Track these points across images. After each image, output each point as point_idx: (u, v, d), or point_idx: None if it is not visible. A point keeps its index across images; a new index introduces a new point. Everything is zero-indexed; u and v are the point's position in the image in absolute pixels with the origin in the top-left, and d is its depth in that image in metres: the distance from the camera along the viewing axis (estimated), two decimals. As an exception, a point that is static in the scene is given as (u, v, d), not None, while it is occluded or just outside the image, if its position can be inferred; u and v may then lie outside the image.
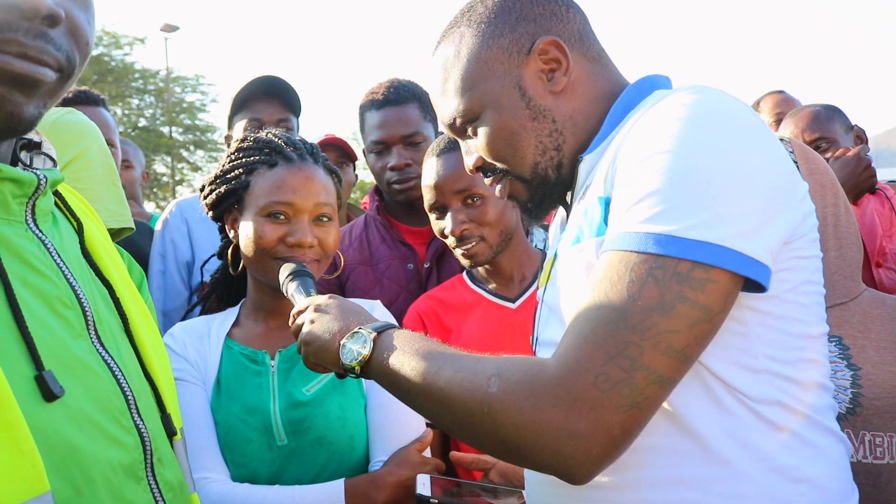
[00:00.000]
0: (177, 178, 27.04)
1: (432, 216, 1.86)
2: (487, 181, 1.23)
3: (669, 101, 0.98)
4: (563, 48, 1.13)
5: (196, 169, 28.22)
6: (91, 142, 1.74)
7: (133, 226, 1.94)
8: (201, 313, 1.76)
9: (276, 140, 1.58)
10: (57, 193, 0.98)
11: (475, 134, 1.18)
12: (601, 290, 0.90)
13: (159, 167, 26.11)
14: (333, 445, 1.47)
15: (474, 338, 1.78)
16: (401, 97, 2.19)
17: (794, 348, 0.99)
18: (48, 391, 0.77)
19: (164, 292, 2.45)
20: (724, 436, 0.96)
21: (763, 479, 0.96)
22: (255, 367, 1.54)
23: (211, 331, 1.60)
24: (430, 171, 1.82)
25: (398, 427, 1.52)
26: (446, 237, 1.82)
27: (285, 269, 1.40)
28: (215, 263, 1.79)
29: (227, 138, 2.62)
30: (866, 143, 2.70)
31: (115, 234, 1.92)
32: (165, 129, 25.77)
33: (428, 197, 1.83)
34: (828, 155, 2.43)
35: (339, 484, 1.41)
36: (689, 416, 0.97)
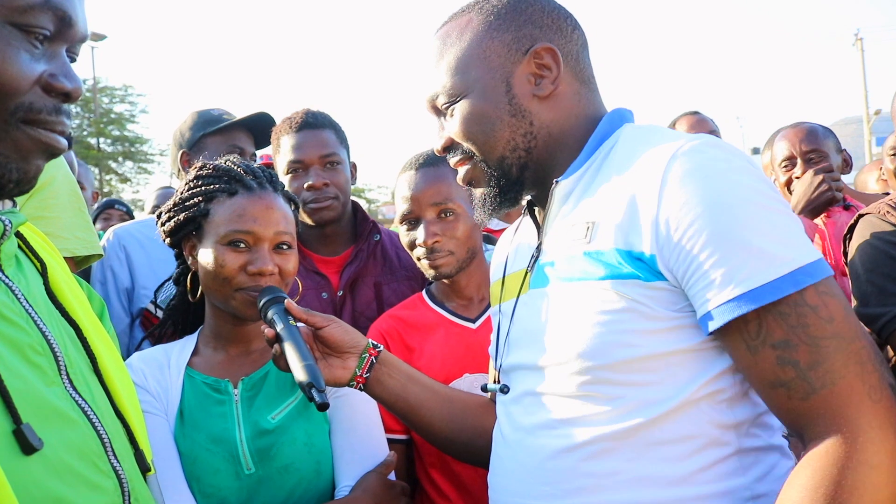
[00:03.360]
0: (105, 189, 26.22)
1: (403, 227, 1.89)
2: (454, 160, 1.26)
3: (695, 167, 1.04)
4: (557, 57, 1.19)
5: (125, 180, 27.45)
6: (56, 170, 1.72)
7: (102, 252, 1.91)
8: (156, 340, 1.74)
9: (236, 168, 1.58)
10: (19, 234, 0.97)
11: (452, 115, 1.23)
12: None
13: (87, 179, 25.30)
14: (301, 472, 1.47)
15: (436, 358, 1.81)
16: (318, 122, 2.24)
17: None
18: (27, 444, 0.77)
19: None
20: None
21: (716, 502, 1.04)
22: (218, 395, 1.53)
23: (170, 360, 1.58)
24: (408, 182, 1.86)
25: (362, 451, 1.53)
26: (414, 248, 1.86)
27: (264, 295, 1.42)
28: (168, 287, 1.77)
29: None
30: (851, 167, 2.96)
31: (82, 260, 1.89)
32: (93, 141, 24.96)
33: (403, 208, 1.86)
34: (816, 168, 2.72)
35: (309, 511, 1.41)
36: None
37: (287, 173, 2.21)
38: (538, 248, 1.25)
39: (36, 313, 0.89)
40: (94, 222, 4.69)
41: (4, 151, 0.84)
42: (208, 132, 2.57)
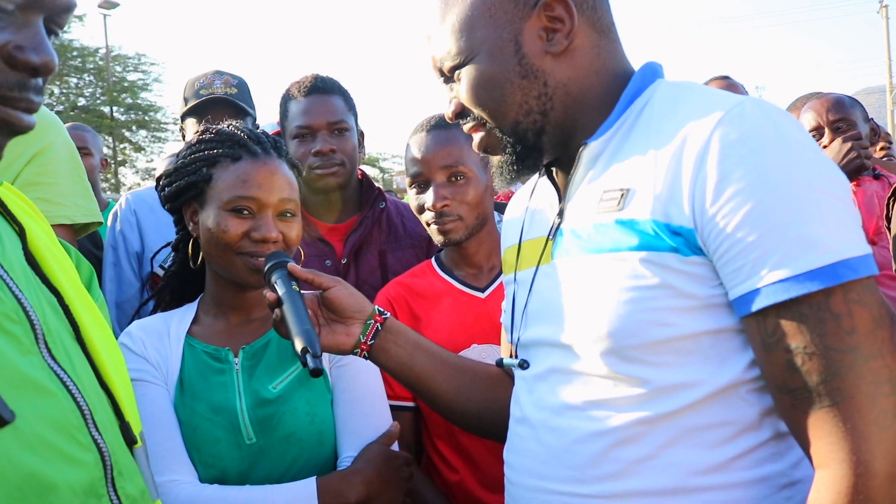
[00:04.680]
0: (119, 158, 26.31)
1: (412, 191, 1.85)
2: (466, 127, 1.19)
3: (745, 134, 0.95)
4: (570, 8, 1.09)
5: (139, 149, 27.52)
6: (55, 136, 1.69)
7: (102, 220, 1.89)
8: (154, 307, 1.72)
9: (240, 133, 1.54)
10: None
11: (460, 79, 1.14)
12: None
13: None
14: (303, 442, 1.45)
15: (444, 327, 1.77)
16: (327, 87, 2.20)
17: None
18: None
19: (116, 283, 2.50)
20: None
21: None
22: (218, 365, 1.50)
23: (170, 329, 1.55)
24: (419, 144, 1.81)
25: (365, 422, 1.51)
26: (423, 212, 1.81)
27: (269, 260, 1.39)
28: (164, 254, 1.76)
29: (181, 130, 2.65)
30: (880, 135, 2.92)
31: (82, 227, 1.87)
32: (106, 109, 24.99)
33: (413, 170, 1.82)
34: (844, 136, 2.68)
35: (311, 483, 1.39)
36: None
37: (294, 138, 2.17)
38: (560, 214, 1.17)
39: (12, 280, 0.85)
40: None
41: None
42: (186, 113, 2.56)
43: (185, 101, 2.59)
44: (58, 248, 1.01)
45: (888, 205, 1.60)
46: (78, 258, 1.15)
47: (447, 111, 1.20)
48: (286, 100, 2.23)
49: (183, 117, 2.59)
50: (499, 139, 1.15)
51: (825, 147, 2.70)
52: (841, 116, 2.76)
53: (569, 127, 1.13)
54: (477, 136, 1.19)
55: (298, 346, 1.22)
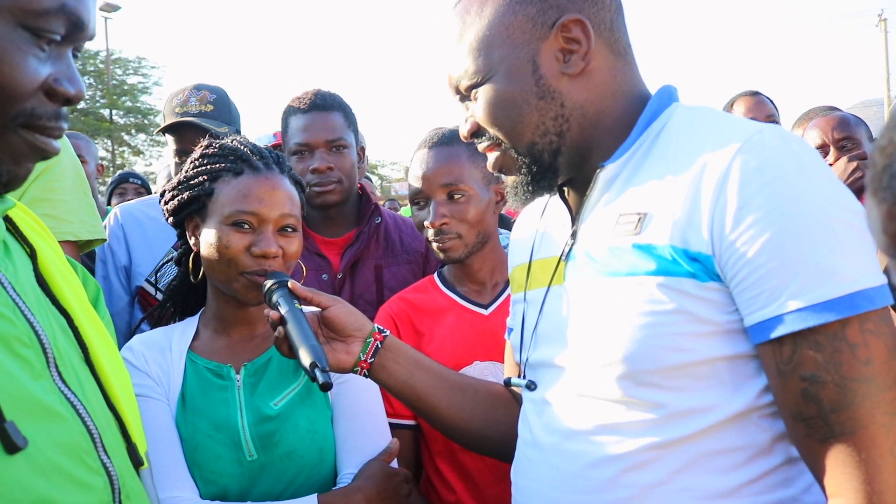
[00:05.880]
0: (118, 161, 26.30)
1: (414, 207, 1.87)
2: (482, 146, 1.18)
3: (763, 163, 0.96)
4: (587, 30, 1.08)
5: (138, 153, 27.51)
6: (62, 153, 1.70)
7: (105, 237, 1.90)
8: (153, 323, 1.72)
9: (242, 148, 1.55)
10: (7, 218, 0.94)
11: (476, 98, 1.14)
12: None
13: (100, 151, 25.39)
14: (304, 459, 1.45)
15: (446, 344, 1.77)
16: (327, 104, 2.21)
17: None
18: (10, 444, 0.74)
19: (105, 297, 2.46)
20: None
21: None
22: (220, 381, 1.50)
23: (172, 344, 1.55)
24: (420, 161, 1.82)
25: (366, 439, 1.51)
26: (423, 229, 1.82)
27: (269, 279, 1.39)
28: (153, 269, 1.77)
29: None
30: None
31: (86, 243, 1.88)
32: (105, 112, 24.98)
33: (414, 187, 1.83)
34: (850, 154, 2.70)
35: (312, 500, 1.39)
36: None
37: (293, 154, 2.19)
38: (573, 235, 1.16)
39: (24, 303, 0.85)
40: (110, 197, 4.69)
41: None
42: (162, 130, 2.57)
43: (164, 116, 2.59)
44: (66, 268, 1.01)
45: None
46: (84, 275, 1.15)
47: (462, 130, 1.19)
48: (287, 115, 2.24)
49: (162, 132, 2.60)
50: (514, 159, 1.15)
51: (830, 165, 2.72)
52: (846, 135, 2.77)
53: (584, 148, 1.13)
54: (492, 156, 1.18)
55: (307, 360, 1.21)
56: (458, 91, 1.17)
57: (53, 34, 0.82)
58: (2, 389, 0.76)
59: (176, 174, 2.47)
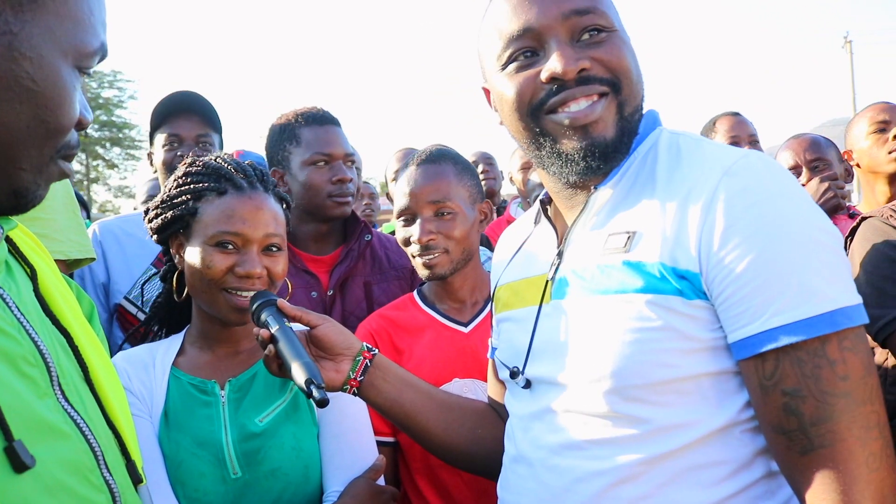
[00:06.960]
0: (92, 175, 26.03)
1: (399, 222, 1.88)
2: (590, 91, 1.09)
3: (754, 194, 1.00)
4: None
5: (112, 166, 27.24)
6: None
7: (94, 256, 1.91)
8: (136, 340, 1.72)
9: (226, 166, 1.54)
10: (8, 239, 0.95)
11: (601, 42, 1.10)
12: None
13: (74, 164, 25.12)
14: (289, 476, 1.45)
15: (425, 361, 1.79)
16: (336, 120, 2.29)
17: None
18: (19, 463, 0.74)
19: None
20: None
21: None
22: (204, 397, 1.50)
23: (155, 360, 1.55)
24: (408, 178, 1.85)
25: (352, 456, 1.51)
26: (409, 244, 1.84)
27: (256, 299, 1.40)
28: (131, 286, 1.77)
29: (150, 155, 2.67)
30: (852, 176, 3.05)
31: (73, 262, 1.88)
32: (80, 126, 24.74)
33: (401, 203, 1.85)
34: (822, 175, 2.80)
35: (298, 518, 1.39)
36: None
37: (309, 164, 2.19)
38: (559, 255, 1.19)
39: (28, 322, 0.86)
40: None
41: (38, 181, 0.86)
42: (153, 130, 2.60)
43: (154, 117, 2.61)
44: (63, 286, 1.02)
45: (846, 243, 1.66)
46: (79, 292, 1.16)
47: (566, 64, 1.08)
48: (296, 126, 2.23)
49: (153, 129, 2.60)
50: (613, 117, 1.11)
51: (803, 185, 2.79)
52: (818, 156, 2.87)
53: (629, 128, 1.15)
54: (601, 104, 1.10)
55: (302, 378, 1.22)
56: (570, 25, 1.09)
57: (90, 69, 0.88)
58: (9, 408, 0.76)
59: (166, 159, 2.48)
